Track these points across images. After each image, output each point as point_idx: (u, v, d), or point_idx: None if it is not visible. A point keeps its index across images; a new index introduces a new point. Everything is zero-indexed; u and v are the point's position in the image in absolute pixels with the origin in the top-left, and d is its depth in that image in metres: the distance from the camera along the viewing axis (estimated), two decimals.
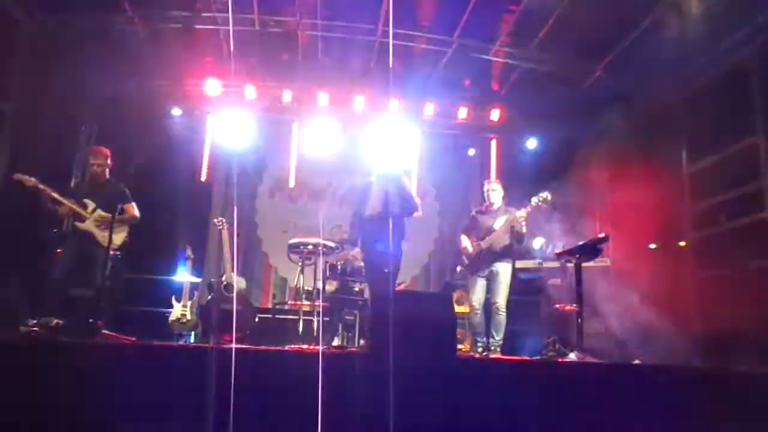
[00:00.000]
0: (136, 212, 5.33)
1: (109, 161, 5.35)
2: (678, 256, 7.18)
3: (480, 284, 5.58)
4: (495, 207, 5.75)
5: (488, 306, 5.51)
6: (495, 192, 5.79)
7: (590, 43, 6.99)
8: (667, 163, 7.19)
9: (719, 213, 6.66)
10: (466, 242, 5.72)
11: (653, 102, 7.39)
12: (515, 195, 6.35)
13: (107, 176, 5.38)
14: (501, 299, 5.43)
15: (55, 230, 5.35)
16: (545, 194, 5.49)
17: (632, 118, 7.47)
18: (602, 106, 7.59)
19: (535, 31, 7.02)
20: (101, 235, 5.01)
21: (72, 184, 5.88)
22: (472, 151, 8.99)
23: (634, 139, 7.32)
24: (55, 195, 4.87)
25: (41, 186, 4.79)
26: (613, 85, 7.39)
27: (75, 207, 4.99)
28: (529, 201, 5.54)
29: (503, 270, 5.53)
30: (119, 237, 5.17)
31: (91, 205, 5.09)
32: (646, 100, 7.39)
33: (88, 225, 5.03)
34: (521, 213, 5.48)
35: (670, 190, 7.12)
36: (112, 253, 6.67)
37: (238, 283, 6.37)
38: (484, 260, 5.56)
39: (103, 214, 5.08)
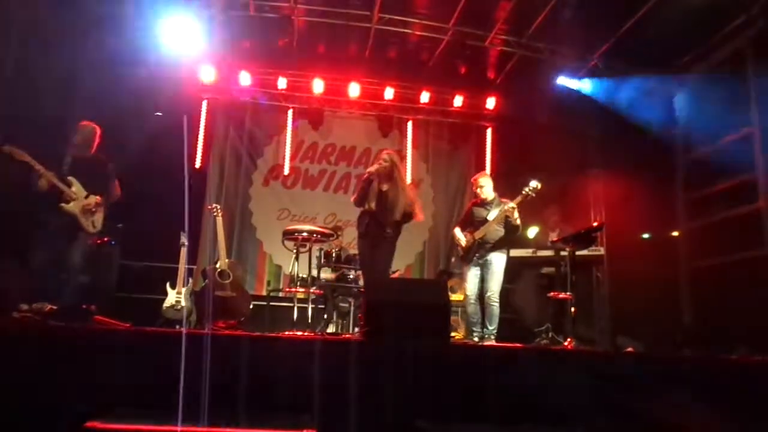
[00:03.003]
0: (118, 191, 5.19)
1: (95, 138, 5.11)
2: (671, 246, 7.24)
3: (474, 274, 5.58)
4: (489, 199, 5.72)
5: (482, 295, 5.51)
6: (484, 187, 5.74)
7: (586, 32, 6.97)
8: (661, 152, 7.21)
9: (713, 203, 6.70)
10: (459, 235, 5.73)
11: (649, 90, 7.39)
12: (511, 184, 6.36)
13: (93, 153, 5.13)
14: (494, 289, 5.43)
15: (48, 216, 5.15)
16: (535, 183, 5.47)
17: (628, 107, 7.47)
18: (599, 95, 7.59)
19: (532, 18, 7.00)
20: (84, 219, 4.87)
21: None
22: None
23: (629, 127, 7.32)
24: (45, 172, 4.66)
25: (30, 160, 4.58)
26: (609, 73, 7.39)
27: (59, 184, 4.76)
28: (520, 191, 5.53)
29: (497, 260, 5.52)
30: (99, 221, 5.01)
31: (75, 183, 4.88)
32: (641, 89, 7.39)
33: (73, 207, 4.83)
34: (513, 204, 5.46)
35: (665, 180, 7.15)
36: (105, 239, 6.66)
37: (233, 269, 6.36)
38: (477, 250, 5.56)
39: (92, 198, 4.91)
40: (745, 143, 6.12)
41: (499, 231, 5.56)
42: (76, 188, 4.89)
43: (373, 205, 5.27)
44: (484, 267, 5.53)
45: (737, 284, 5.94)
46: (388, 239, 5.29)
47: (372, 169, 5.36)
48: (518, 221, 5.50)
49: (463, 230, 5.78)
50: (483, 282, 5.53)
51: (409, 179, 8.48)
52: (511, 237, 5.64)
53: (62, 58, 6.11)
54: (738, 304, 5.74)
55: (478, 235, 5.54)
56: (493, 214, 5.55)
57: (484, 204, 5.73)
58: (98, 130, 5.17)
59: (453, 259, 6.09)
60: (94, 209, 4.94)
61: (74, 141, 5.06)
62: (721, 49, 6.51)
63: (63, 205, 4.80)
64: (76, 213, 4.85)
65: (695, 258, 6.91)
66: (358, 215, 5.51)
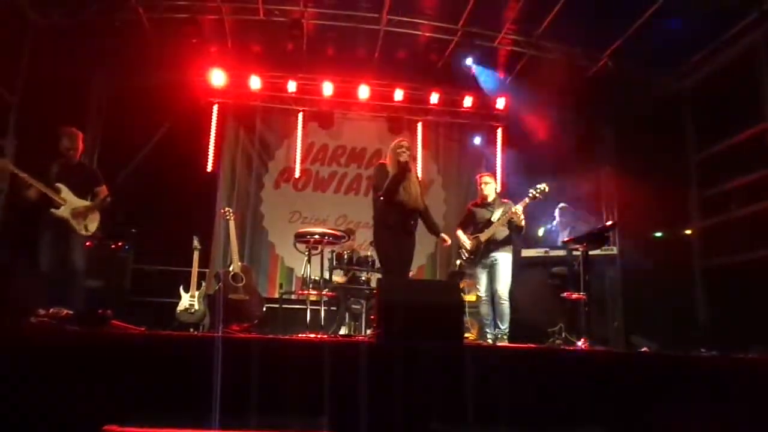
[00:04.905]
0: (108, 194, 5.26)
1: (80, 143, 5.20)
2: (684, 244, 7.17)
3: (483, 274, 5.61)
4: (490, 199, 5.73)
5: (493, 295, 5.51)
6: (488, 185, 5.75)
7: (596, 30, 6.93)
8: (674, 150, 7.16)
9: (728, 200, 6.63)
10: (463, 238, 5.72)
11: (661, 88, 7.34)
12: (520, 184, 6.34)
13: (78, 159, 5.26)
14: (502, 288, 5.44)
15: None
16: (542, 186, 5.46)
17: (640, 105, 7.42)
18: (609, 93, 7.54)
19: (541, 18, 6.97)
20: (76, 222, 4.99)
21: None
22: (477, 140, 8.99)
23: (641, 125, 7.27)
24: (32, 181, 4.78)
25: (19, 172, 4.74)
26: (619, 71, 7.34)
27: (48, 191, 4.86)
28: (527, 193, 5.51)
29: (503, 259, 5.52)
30: (93, 224, 5.13)
31: (63, 189, 4.97)
32: (653, 87, 7.34)
33: (64, 212, 4.94)
34: (518, 207, 5.43)
35: (678, 178, 7.09)
36: (119, 244, 6.72)
37: (246, 272, 6.40)
38: (483, 252, 5.57)
39: (82, 202, 5.04)
40: (759, 139, 6.06)
41: (504, 231, 5.57)
42: (65, 194, 4.99)
43: (407, 197, 5.01)
44: (492, 267, 5.55)
45: (752, 282, 5.88)
46: (413, 232, 5.13)
47: (407, 158, 5.03)
48: (523, 222, 5.49)
49: (464, 231, 5.77)
50: (491, 281, 5.55)
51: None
52: (515, 237, 5.65)
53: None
54: (753, 303, 5.68)
55: (483, 237, 5.56)
56: (496, 215, 5.56)
57: (485, 205, 5.74)
58: (81, 135, 5.26)
59: (457, 262, 6.03)
60: (86, 212, 5.07)
61: (61, 146, 5.12)
62: (734, 45, 6.45)
63: (53, 210, 4.92)
64: (67, 217, 4.96)
65: (709, 256, 6.85)
66: (379, 209, 5.12)
